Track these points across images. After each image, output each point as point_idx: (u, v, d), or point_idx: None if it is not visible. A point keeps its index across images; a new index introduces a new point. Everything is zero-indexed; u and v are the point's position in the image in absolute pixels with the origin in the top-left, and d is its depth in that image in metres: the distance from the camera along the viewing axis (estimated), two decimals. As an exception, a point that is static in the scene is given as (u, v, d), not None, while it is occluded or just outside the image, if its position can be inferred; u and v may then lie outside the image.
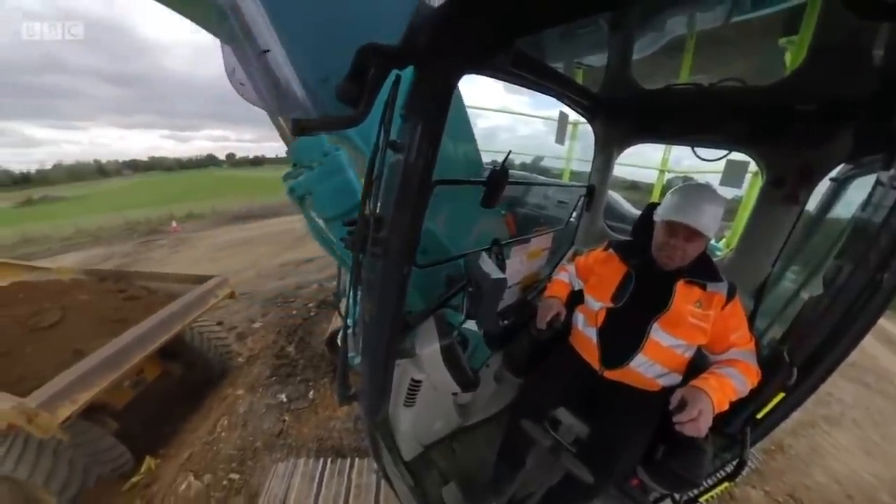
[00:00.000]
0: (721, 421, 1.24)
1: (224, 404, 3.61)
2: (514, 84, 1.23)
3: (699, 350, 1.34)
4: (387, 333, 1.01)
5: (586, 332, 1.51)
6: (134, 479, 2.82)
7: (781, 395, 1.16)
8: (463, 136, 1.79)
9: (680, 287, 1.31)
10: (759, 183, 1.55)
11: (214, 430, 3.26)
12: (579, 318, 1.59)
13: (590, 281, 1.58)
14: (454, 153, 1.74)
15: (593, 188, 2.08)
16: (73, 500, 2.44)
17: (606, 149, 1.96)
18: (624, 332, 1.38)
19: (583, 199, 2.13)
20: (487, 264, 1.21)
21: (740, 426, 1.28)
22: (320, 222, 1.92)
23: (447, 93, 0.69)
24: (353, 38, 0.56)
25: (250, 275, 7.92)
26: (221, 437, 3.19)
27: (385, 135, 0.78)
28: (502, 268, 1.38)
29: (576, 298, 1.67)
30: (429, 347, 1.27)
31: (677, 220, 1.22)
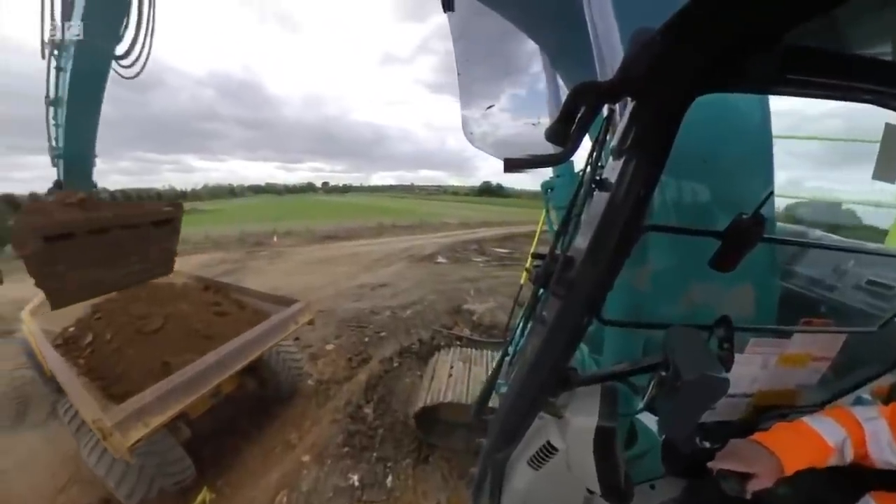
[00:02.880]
0: None
1: (287, 463, 3.19)
2: (786, 95, 0.77)
3: None
4: (541, 380, 0.94)
5: None
6: (188, 509, 2.67)
7: None
8: (753, 169, 1.21)
9: None
10: None
11: (273, 505, 2.82)
12: None
13: None
14: (731, 190, 1.18)
15: None
16: None
17: None
18: None
19: None
20: (701, 349, 0.85)
21: None
22: (553, 213, 2.46)
23: (672, 124, 0.59)
24: None
25: (329, 292, 8.21)
26: (279, 520, 2.72)
27: (591, 172, 0.77)
28: (726, 362, 0.91)
29: (872, 476, 0.93)
30: (582, 419, 1.06)
31: None
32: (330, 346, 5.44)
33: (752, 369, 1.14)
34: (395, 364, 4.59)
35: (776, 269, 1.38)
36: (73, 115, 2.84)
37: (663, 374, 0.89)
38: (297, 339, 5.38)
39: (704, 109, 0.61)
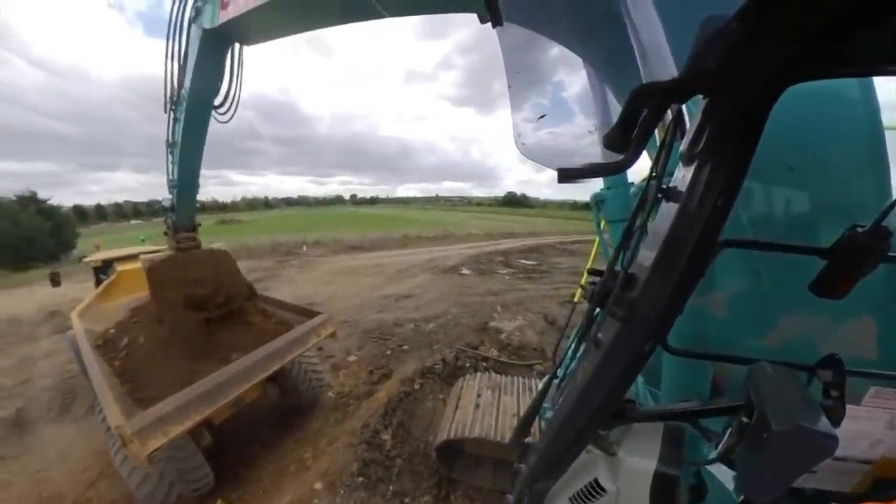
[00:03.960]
0: None
1: (300, 486, 3.06)
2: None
3: None
4: (593, 409, 0.84)
5: None
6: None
7: None
8: (860, 170, 1.00)
9: None
10: None
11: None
12: None
13: None
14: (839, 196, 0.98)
15: None
16: None
17: None
18: None
19: None
20: (798, 394, 0.69)
21: None
22: (605, 232, 2.37)
23: (756, 121, 0.51)
24: None
25: (353, 303, 8.26)
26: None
27: (657, 181, 0.71)
28: (833, 414, 0.71)
29: None
30: (638, 460, 0.97)
31: None
32: (352, 358, 5.39)
33: (873, 427, 0.89)
34: (417, 385, 4.31)
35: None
36: (184, 155, 3.50)
37: (745, 419, 0.76)
38: (320, 348, 5.39)
39: (794, 101, 0.55)
